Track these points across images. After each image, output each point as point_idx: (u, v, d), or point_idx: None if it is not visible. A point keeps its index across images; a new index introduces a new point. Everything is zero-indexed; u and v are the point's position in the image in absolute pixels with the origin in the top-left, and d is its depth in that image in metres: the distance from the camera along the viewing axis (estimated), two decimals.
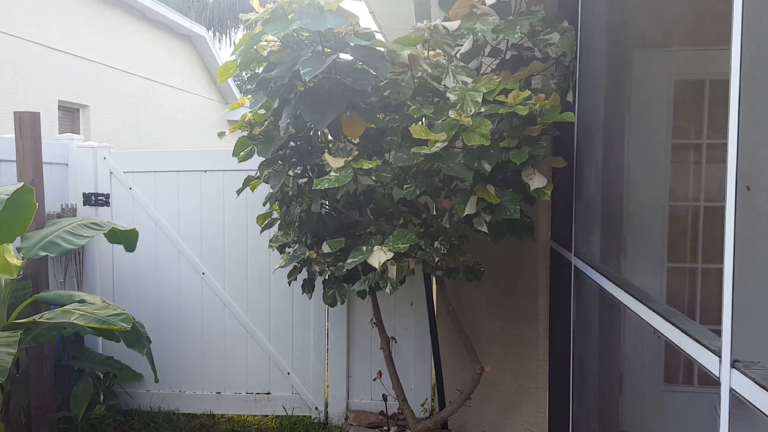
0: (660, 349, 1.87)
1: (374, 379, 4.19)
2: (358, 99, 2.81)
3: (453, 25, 2.84)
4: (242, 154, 3.22)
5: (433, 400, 4.50)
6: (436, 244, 3.08)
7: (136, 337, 3.26)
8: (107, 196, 4.71)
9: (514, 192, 2.78)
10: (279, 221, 3.63)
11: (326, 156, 2.70)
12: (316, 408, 4.58)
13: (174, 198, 4.65)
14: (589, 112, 2.79)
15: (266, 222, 3.68)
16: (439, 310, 4.16)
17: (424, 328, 4.37)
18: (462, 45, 3.19)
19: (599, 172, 2.68)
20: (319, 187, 2.60)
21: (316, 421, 4.55)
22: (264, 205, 3.79)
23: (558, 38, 2.92)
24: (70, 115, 9.36)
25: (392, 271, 2.92)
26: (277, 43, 2.92)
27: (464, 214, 2.77)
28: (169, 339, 4.70)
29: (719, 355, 1.33)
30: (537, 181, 2.73)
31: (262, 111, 3.13)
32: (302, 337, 4.62)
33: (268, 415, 4.63)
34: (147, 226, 4.68)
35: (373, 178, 2.73)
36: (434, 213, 3.42)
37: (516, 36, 2.78)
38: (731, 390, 1.28)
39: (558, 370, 3.53)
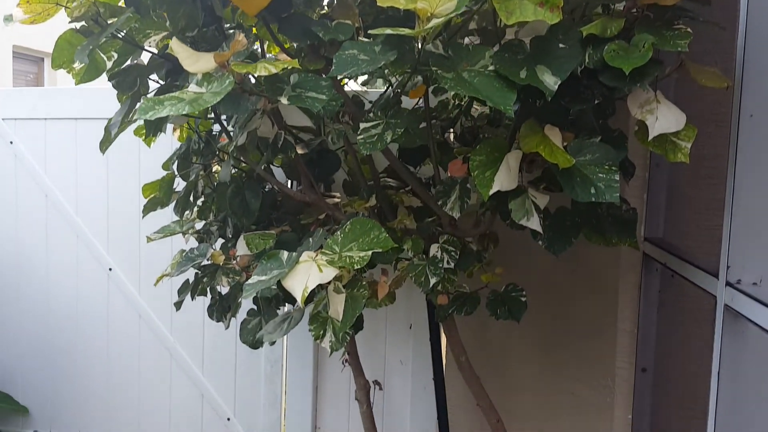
0: None
1: None
2: None
3: None
4: (78, 68, 1.71)
5: None
6: (434, 249, 1.55)
7: None
8: None
9: (605, 143, 1.23)
10: (177, 196, 2.13)
11: (174, 44, 1.18)
12: None
13: (71, 158, 3.19)
14: None
15: (152, 197, 2.17)
16: (449, 355, 2.65)
17: (428, 362, 2.84)
18: None
19: None
20: (146, 117, 1.09)
21: None
22: (168, 166, 2.28)
23: None
24: (34, 67, 7.89)
25: (337, 305, 1.40)
26: None
27: (491, 192, 1.23)
28: (65, 361, 3.28)
29: None
30: (664, 119, 1.18)
31: None
32: (249, 367, 3.14)
33: None
34: (34, 199, 3.24)
35: (285, 100, 1.19)
36: (433, 185, 1.87)
37: None
38: None
39: None
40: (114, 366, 3.22)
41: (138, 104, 1.63)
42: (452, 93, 2.14)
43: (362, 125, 1.28)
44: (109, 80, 1.68)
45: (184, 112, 1.07)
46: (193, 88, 1.17)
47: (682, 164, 1.96)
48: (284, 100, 1.17)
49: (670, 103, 1.18)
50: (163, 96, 1.13)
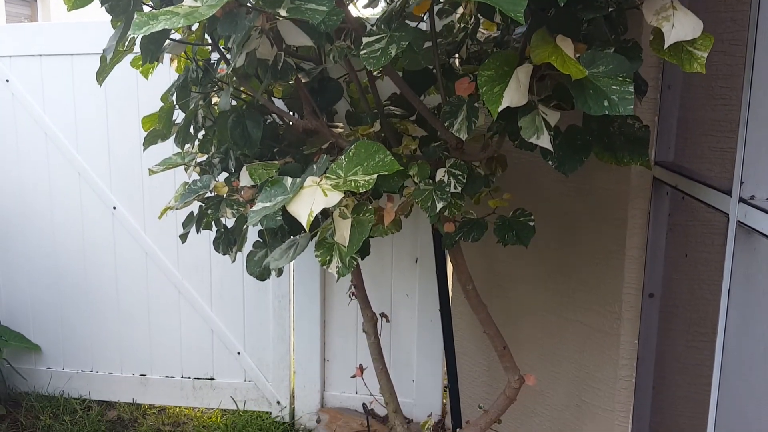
0: None
1: (353, 377, 2.75)
2: None
3: None
4: None
5: (444, 412, 3.06)
6: (440, 174, 1.52)
7: None
8: None
9: (619, 54, 1.18)
10: (178, 128, 2.09)
11: None
12: (278, 402, 3.18)
13: (69, 94, 3.14)
14: None
15: (152, 129, 2.13)
16: (455, 285, 2.66)
17: (434, 295, 2.86)
18: None
19: None
20: (141, 32, 1.05)
21: (277, 419, 3.17)
22: (167, 98, 2.22)
23: None
24: (27, 9, 7.67)
25: (343, 231, 1.38)
26: None
27: (501, 109, 1.19)
28: (74, 299, 3.31)
29: None
30: (681, 26, 1.12)
31: None
32: (258, 302, 3.17)
33: (212, 409, 3.27)
34: (34, 137, 3.20)
35: (284, 12, 1.14)
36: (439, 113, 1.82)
37: None
38: None
39: (664, 390, 2.04)
40: (123, 303, 3.26)
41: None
42: (458, 16, 2.07)
43: (365, 39, 1.23)
44: (102, 5, 1.61)
45: (179, 26, 1.03)
46: (188, 2, 1.12)
47: (695, 86, 1.92)
48: (283, 12, 1.11)
49: (686, 10, 1.13)
50: (158, 11, 1.08)
